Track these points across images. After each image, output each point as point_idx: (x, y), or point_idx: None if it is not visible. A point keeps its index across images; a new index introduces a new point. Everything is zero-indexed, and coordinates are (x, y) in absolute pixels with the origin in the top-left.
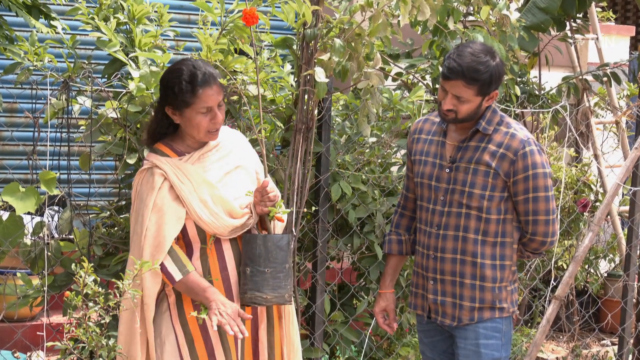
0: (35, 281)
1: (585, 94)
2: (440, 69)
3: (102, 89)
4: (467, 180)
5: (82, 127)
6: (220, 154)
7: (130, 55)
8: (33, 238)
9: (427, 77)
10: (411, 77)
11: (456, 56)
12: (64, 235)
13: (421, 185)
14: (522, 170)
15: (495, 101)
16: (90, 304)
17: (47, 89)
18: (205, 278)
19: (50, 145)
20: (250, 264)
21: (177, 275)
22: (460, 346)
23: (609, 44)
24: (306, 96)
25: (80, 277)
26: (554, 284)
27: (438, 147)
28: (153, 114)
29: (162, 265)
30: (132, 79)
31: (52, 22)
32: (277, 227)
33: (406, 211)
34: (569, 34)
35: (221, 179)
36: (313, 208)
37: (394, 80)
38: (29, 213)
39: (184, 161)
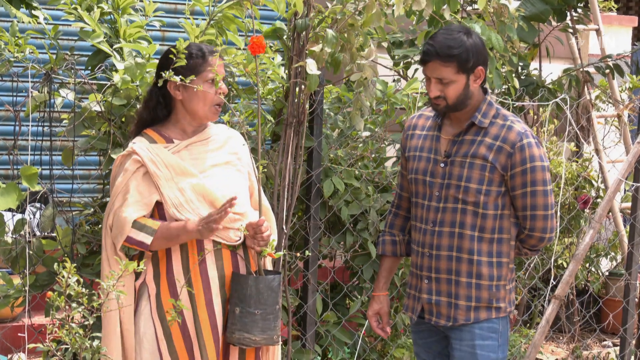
0: (17, 280)
1: (586, 86)
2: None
3: (86, 81)
4: (463, 175)
5: (64, 121)
6: (210, 147)
7: (114, 47)
8: (14, 236)
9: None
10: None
11: (429, 39)
12: (46, 233)
13: (415, 182)
14: (520, 164)
15: (489, 91)
16: (74, 305)
17: (28, 82)
18: (185, 275)
19: (31, 140)
20: (240, 305)
21: (147, 239)
22: (455, 347)
23: (610, 35)
24: (297, 89)
25: (63, 277)
26: (554, 283)
27: (433, 142)
28: (145, 100)
29: (129, 238)
30: (116, 71)
31: (33, 11)
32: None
33: (400, 211)
34: (570, 24)
35: (206, 170)
36: (304, 205)
37: (391, 68)
38: (9, 210)
39: (169, 149)
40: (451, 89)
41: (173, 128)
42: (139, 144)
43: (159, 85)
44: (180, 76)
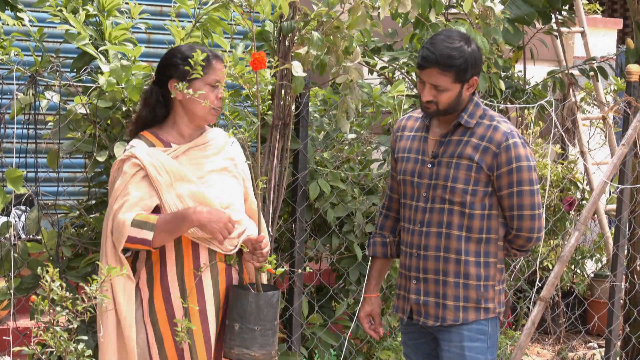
0: (2, 284)
1: (571, 89)
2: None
3: (71, 83)
4: (450, 175)
5: (50, 124)
6: (207, 152)
7: (100, 49)
8: None
9: (408, 70)
10: (396, 72)
11: (429, 44)
12: (31, 236)
13: (403, 183)
14: (506, 164)
15: (477, 92)
16: (58, 309)
17: (13, 84)
18: (179, 282)
19: (16, 142)
20: (240, 320)
21: (149, 235)
22: (444, 349)
23: (595, 37)
24: (283, 91)
25: (46, 281)
26: (539, 284)
27: (420, 143)
28: (144, 98)
29: (130, 238)
30: (102, 73)
31: (18, 14)
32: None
33: (391, 212)
34: (555, 26)
35: (203, 176)
36: (290, 207)
37: (375, 72)
38: None
39: (168, 154)
40: (444, 96)
41: (171, 131)
42: (138, 147)
43: (159, 84)
44: (176, 81)
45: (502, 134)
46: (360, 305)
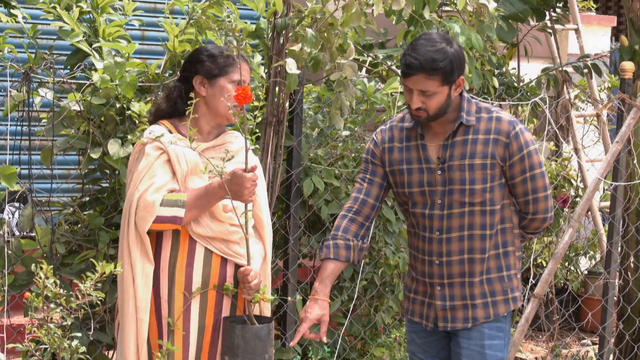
0: None
1: (565, 86)
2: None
3: (65, 80)
4: (466, 178)
5: (43, 120)
6: (222, 154)
7: (93, 46)
8: None
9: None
10: (386, 67)
11: (411, 51)
12: (25, 233)
13: (411, 194)
14: (517, 151)
15: (465, 89)
16: (52, 306)
17: (7, 81)
18: (170, 274)
19: (10, 139)
20: (228, 353)
21: (180, 212)
22: (463, 346)
23: (589, 34)
24: (277, 88)
25: (40, 278)
26: (533, 282)
27: (419, 152)
28: (166, 93)
29: (159, 217)
30: (95, 70)
31: (12, 10)
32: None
33: (358, 217)
34: (549, 24)
35: (213, 177)
36: (284, 204)
37: (368, 72)
38: None
39: (185, 146)
40: (433, 100)
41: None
42: (158, 132)
43: (182, 81)
44: (201, 77)
45: (507, 124)
46: (308, 306)
